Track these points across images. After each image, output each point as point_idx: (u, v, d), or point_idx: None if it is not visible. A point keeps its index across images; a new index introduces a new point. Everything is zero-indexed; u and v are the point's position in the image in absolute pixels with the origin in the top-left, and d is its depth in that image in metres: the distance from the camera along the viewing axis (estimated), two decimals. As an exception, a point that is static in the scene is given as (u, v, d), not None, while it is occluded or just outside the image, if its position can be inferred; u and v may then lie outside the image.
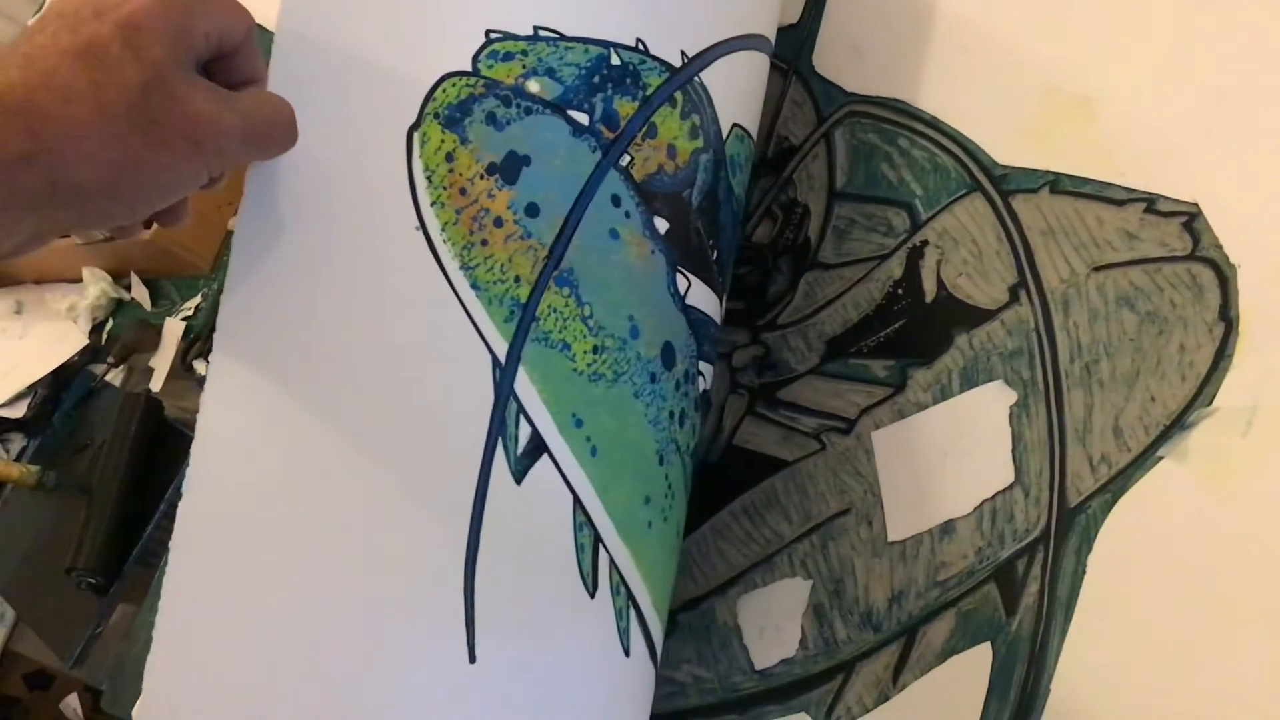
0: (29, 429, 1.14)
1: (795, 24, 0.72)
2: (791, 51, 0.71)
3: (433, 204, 0.48)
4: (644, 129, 0.52)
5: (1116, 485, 0.52)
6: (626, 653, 0.50)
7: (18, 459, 1.10)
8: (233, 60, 0.43)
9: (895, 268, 0.62)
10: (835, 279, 0.64)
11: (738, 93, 0.58)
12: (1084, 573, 0.51)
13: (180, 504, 0.45)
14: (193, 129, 0.39)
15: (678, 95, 0.53)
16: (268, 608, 0.45)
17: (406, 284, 0.47)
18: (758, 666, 0.60)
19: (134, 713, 0.44)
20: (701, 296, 0.55)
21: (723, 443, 0.66)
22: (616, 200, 0.51)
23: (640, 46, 0.52)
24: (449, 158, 0.48)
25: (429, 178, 0.48)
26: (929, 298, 0.60)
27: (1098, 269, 0.55)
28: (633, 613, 0.51)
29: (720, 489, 0.65)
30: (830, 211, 0.66)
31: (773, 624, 0.60)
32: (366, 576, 0.45)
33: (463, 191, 0.48)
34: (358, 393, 0.46)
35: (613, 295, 0.50)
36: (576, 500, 0.49)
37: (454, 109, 0.49)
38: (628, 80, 0.52)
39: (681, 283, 0.53)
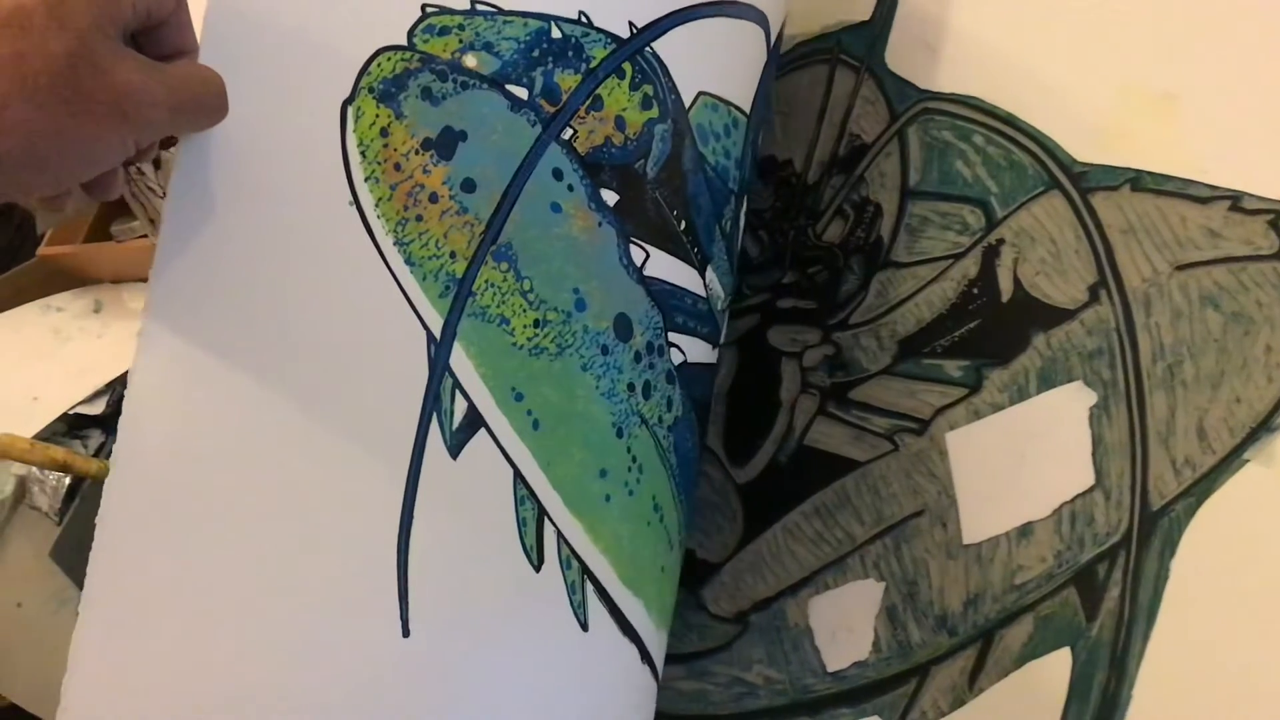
0: (107, 425, 1.15)
1: (867, 21, 0.71)
2: (864, 49, 0.70)
3: (366, 179, 0.48)
4: (588, 101, 0.52)
5: (1200, 488, 0.51)
6: (584, 627, 0.50)
7: (96, 455, 1.12)
8: (162, 32, 0.42)
9: (970, 266, 0.61)
10: (908, 278, 0.64)
11: (703, 61, 0.57)
12: (1167, 577, 0.50)
13: (107, 480, 0.44)
14: (119, 100, 0.38)
15: (626, 66, 0.53)
16: (195, 583, 0.45)
17: (339, 260, 0.47)
18: (830, 668, 0.59)
19: (62, 685, 0.44)
20: (666, 267, 0.54)
21: (794, 443, 0.65)
22: (558, 174, 0.50)
23: (583, 19, 0.52)
24: (383, 133, 0.48)
25: (363, 153, 0.48)
26: (1005, 297, 0.59)
27: (1181, 268, 0.54)
28: (588, 586, 0.50)
29: (791, 489, 0.64)
30: (903, 210, 0.65)
31: (845, 626, 0.59)
32: (296, 552, 0.45)
33: (397, 167, 0.48)
34: (289, 368, 0.46)
35: (555, 269, 0.50)
36: (518, 474, 0.49)
37: (389, 84, 0.48)
38: (569, 53, 0.51)
39: (637, 254, 0.53)
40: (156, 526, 0.45)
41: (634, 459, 0.52)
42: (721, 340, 0.60)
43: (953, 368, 0.60)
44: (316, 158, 0.47)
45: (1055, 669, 0.52)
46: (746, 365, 0.70)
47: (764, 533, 0.64)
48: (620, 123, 0.52)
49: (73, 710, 0.43)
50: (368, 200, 0.47)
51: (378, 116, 0.48)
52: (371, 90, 0.48)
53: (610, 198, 0.52)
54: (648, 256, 0.53)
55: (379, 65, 0.48)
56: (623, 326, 0.52)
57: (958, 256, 0.62)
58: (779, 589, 0.63)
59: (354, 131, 0.48)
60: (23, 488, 1.09)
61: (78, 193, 0.43)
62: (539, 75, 0.50)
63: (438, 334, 0.48)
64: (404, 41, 0.49)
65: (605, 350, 0.51)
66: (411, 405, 0.47)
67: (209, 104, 0.43)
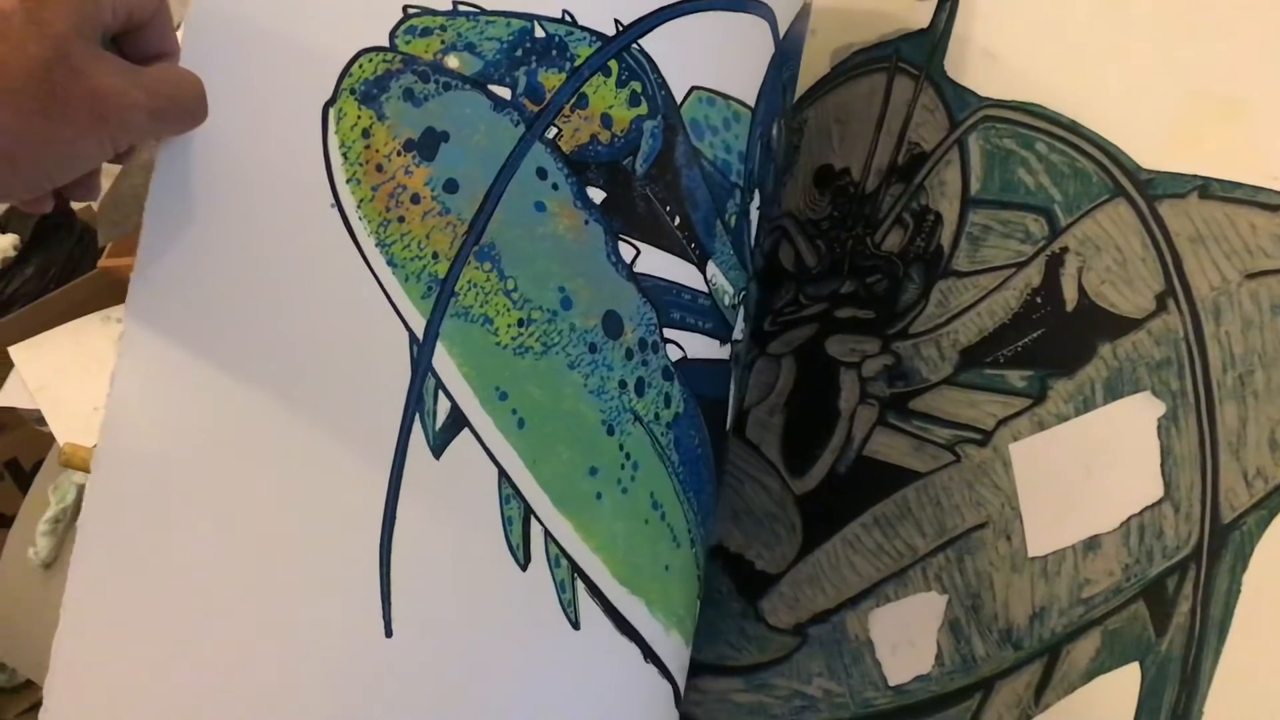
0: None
1: (926, 29, 0.71)
2: (922, 56, 0.70)
3: (348, 181, 0.48)
4: (573, 100, 0.52)
5: (1273, 501, 0.50)
6: (575, 625, 0.50)
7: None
8: (143, 34, 0.42)
9: (1034, 275, 0.60)
10: (969, 287, 0.63)
11: (696, 56, 0.56)
12: (1239, 592, 0.49)
13: (89, 480, 0.44)
14: (96, 104, 0.38)
15: (612, 64, 0.53)
16: (177, 585, 0.45)
17: (321, 261, 0.47)
18: (891, 682, 0.59)
19: (44, 687, 0.44)
20: (660, 264, 0.54)
21: (853, 453, 0.65)
22: (542, 173, 0.50)
23: (567, 18, 0.52)
24: (365, 134, 0.48)
25: (344, 154, 0.48)
26: (1070, 306, 0.58)
27: (1251, 276, 0.53)
28: (579, 585, 0.50)
29: (850, 500, 0.64)
30: (964, 218, 0.65)
31: (907, 639, 0.59)
32: (278, 553, 0.45)
33: (379, 168, 0.48)
34: (271, 370, 0.46)
35: (539, 268, 0.50)
36: (502, 473, 0.48)
37: (370, 85, 0.48)
38: (553, 52, 0.51)
39: (627, 251, 0.52)
40: (138, 528, 0.45)
41: (627, 456, 0.52)
42: (736, 336, 0.59)
43: (1016, 378, 0.59)
44: (298, 159, 0.47)
45: (1124, 685, 0.51)
46: (804, 375, 0.70)
47: (823, 544, 0.64)
48: (606, 120, 0.52)
49: (54, 711, 0.43)
50: (349, 202, 0.48)
51: (359, 118, 0.48)
52: (353, 91, 0.48)
53: (597, 195, 0.52)
54: (638, 253, 0.53)
55: (360, 66, 0.48)
56: (612, 324, 0.52)
57: (1020, 265, 0.61)
58: (839, 601, 0.62)
59: (335, 133, 0.48)
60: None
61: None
62: (522, 75, 0.51)
63: (420, 335, 0.48)
64: (386, 43, 0.49)
65: (593, 348, 0.51)
66: (394, 406, 0.47)
67: (188, 107, 0.44)
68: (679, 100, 0.55)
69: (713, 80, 0.57)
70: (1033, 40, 0.66)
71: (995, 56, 0.67)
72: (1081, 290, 0.58)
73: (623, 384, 0.52)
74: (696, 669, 0.67)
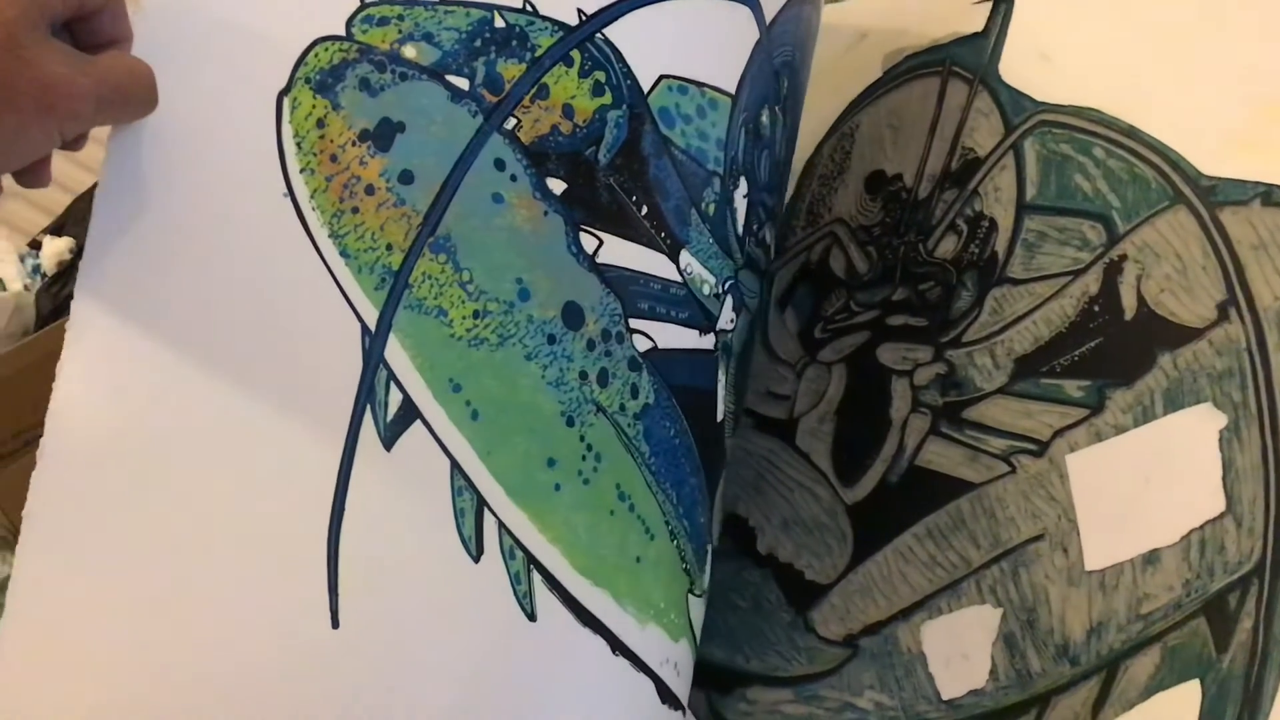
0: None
1: (980, 33, 0.70)
2: (976, 60, 0.69)
3: (301, 170, 0.47)
4: (533, 91, 0.51)
5: (1340, 516, 0.48)
6: (531, 617, 0.49)
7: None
8: (96, 20, 0.42)
9: (1091, 283, 0.59)
10: (1025, 294, 0.62)
11: (665, 45, 0.56)
12: (1304, 609, 0.48)
13: (35, 471, 0.44)
14: (43, 93, 0.38)
15: (575, 54, 0.52)
16: (123, 575, 0.44)
17: (273, 251, 0.47)
18: (944, 696, 0.58)
19: None
20: (626, 254, 0.53)
21: (904, 463, 0.64)
22: (500, 164, 0.50)
23: (528, 7, 0.51)
24: (320, 124, 0.48)
25: (298, 144, 0.47)
26: (1129, 315, 0.57)
27: (1317, 285, 0.52)
28: (535, 576, 0.50)
29: (902, 510, 0.63)
30: (1019, 224, 0.64)
31: (960, 652, 0.58)
32: (224, 543, 0.45)
33: (333, 158, 0.48)
34: (221, 360, 0.46)
35: (496, 259, 0.50)
36: (455, 465, 0.48)
37: (326, 74, 0.48)
38: (513, 42, 0.51)
39: (589, 242, 0.52)
40: (84, 518, 0.45)
41: (589, 447, 0.52)
42: (724, 325, 0.59)
43: (1073, 388, 0.58)
44: (251, 148, 0.47)
45: (1184, 702, 0.50)
46: (855, 383, 0.69)
47: (874, 555, 0.63)
48: (568, 110, 0.52)
49: None
50: (303, 192, 0.47)
51: (314, 107, 0.48)
52: (308, 81, 0.48)
53: (558, 186, 0.51)
54: (601, 244, 0.52)
55: (316, 55, 0.48)
56: (572, 315, 0.51)
57: (1077, 273, 0.60)
58: (890, 613, 0.61)
59: (290, 122, 0.48)
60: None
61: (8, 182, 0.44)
62: (481, 65, 0.50)
63: (373, 326, 0.47)
64: (342, 32, 0.49)
65: (552, 339, 0.51)
66: (344, 397, 0.47)
67: (137, 96, 0.44)
68: (646, 89, 0.55)
69: (683, 68, 0.56)
70: (1090, 44, 0.65)
71: (1051, 60, 0.66)
72: (1140, 299, 0.57)
73: (584, 375, 0.52)
74: (746, 679, 0.67)
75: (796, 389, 0.72)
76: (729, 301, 0.59)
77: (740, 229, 0.60)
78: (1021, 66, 0.68)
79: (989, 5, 0.71)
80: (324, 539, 0.46)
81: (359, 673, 0.46)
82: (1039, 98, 0.66)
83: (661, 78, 0.55)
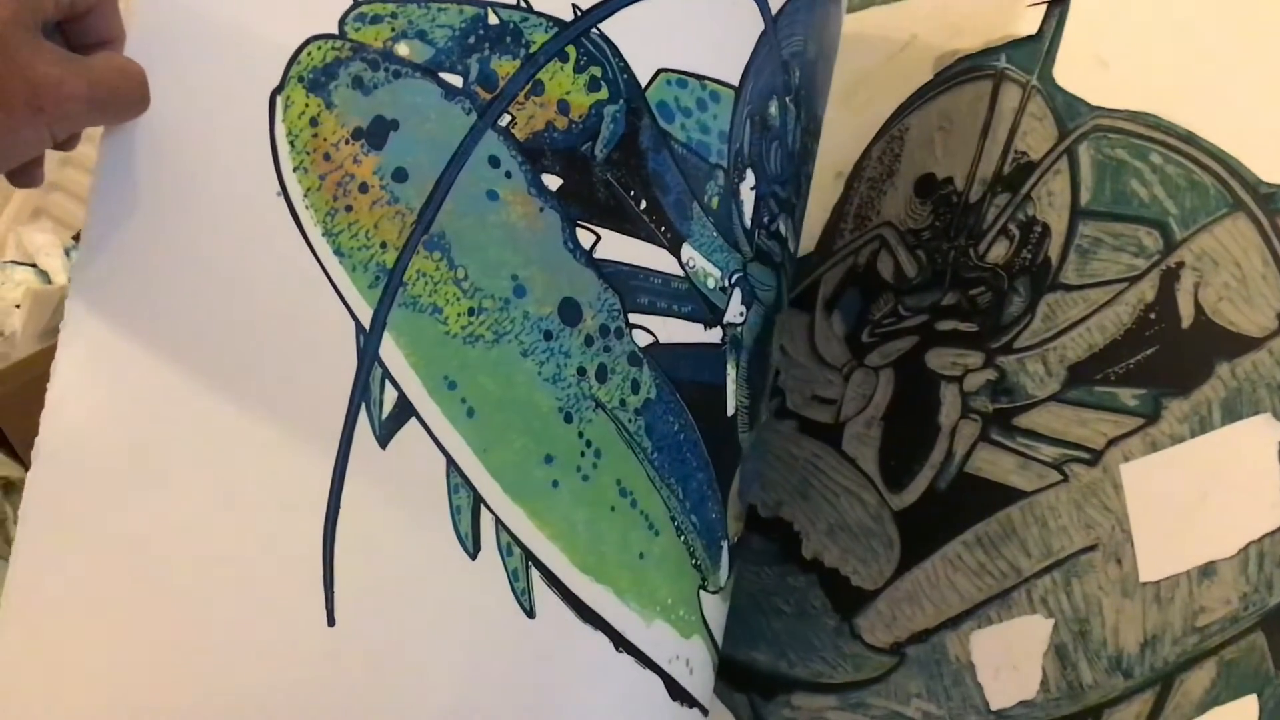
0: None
1: (1034, 35, 0.69)
2: (1030, 63, 0.68)
3: (295, 169, 0.47)
4: (528, 87, 0.51)
5: (1405, 531, 0.48)
6: (529, 614, 0.49)
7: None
8: (89, 20, 0.42)
9: (1147, 290, 0.58)
10: (1078, 301, 0.61)
11: (663, 38, 0.55)
12: (1366, 626, 0.47)
13: (29, 472, 0.44)
14: (34, 94, 0.38)
15: (570, 50, 0.52)
16: (118, 575, 0.44)
17: (266, 250, 0.47)
18: (993, 707, 0.57)
19: None
20: (624, 249, 0.53)
21: (953, 469, 0.64)
22: (495, 161, 0.50)
23: (522, 4, 0.51)
24: (313, 122, 0.47)
25: (292, 143, 0.47)
26: (1186, 323, 0.57)
27: (1381, 295, 0.51)
28: (533, 573, 0.49)
29: (951, 517, 0.63)
30: (1073, 230, 0.63)
31: (1010, 663, 0.57)
32: (220, 541, 0.45)
33: (326, 157, 0.47)
34: (215, 359, 0.46)
35: (491, 256, 0.49)
36: (451, 462, 0.48)
37: (319, 73, 0.48)
38: (507, 39, 0.50)
39: (586, 237, 0.51)
40: (79, 518, 0.45)
41: (588, 443, 0.51)
42: (732, 319, 0.58)
43: (1128, 396, 0.57)
44: (244, 147, 0.47)
45: (1240, 717, 0.50)
46: (903, 388, 0.69)
47: (922, 562, 0.62)
48: (564, 106, 0.51)
49: None
50: (296, 190, 0.47)
51: (307, 106, 0.48)
52: (301, 79, 0.48)
53: (553, 182, 0.51)
54: (598, 239, 0.52)
55: (309, 54, 0.48)
56: (569, 311, 0.51)
57: (1133, 280, 0.59)
58: (939, 621, 0.61)
59: (283, 121, 0.47)
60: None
61: None
62: (474, 62, 0.50)
63: (367, 325, 0.47)
64: (335, 30, 0.48)
65: (549, 335, 0.50)
66: (339, 396, 0.47)
67: (128, 96, 0.43)
68: (644, 84, 0.54)
69: (683, 61, 0.56)
70: (1148, 48, 0.64)
71: (1108, 64, 0.65)
72: (1198, 307, 0.56)
73: (581, 371, 0.51)
74: (790, 684, 0.66)
75: (843, 393, 0.72)
76: (737, 295, 0.59)
77: (748, 221, 0.60)
78: (1076, 70, 0.67)
79: (1043, 7, 0.70)
80: (319, 537, 0.46)
81: (355, 671, 0.46)
82: (1094, 102, 0.65)
83: (660, 71, 0.55)
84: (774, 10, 0.60)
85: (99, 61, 0.42)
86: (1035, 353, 0.62)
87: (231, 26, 0.48)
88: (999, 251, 0.66)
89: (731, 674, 0.69)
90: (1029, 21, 0.70)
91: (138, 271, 0.46)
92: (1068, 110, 0.66)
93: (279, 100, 0.47)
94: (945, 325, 0.68)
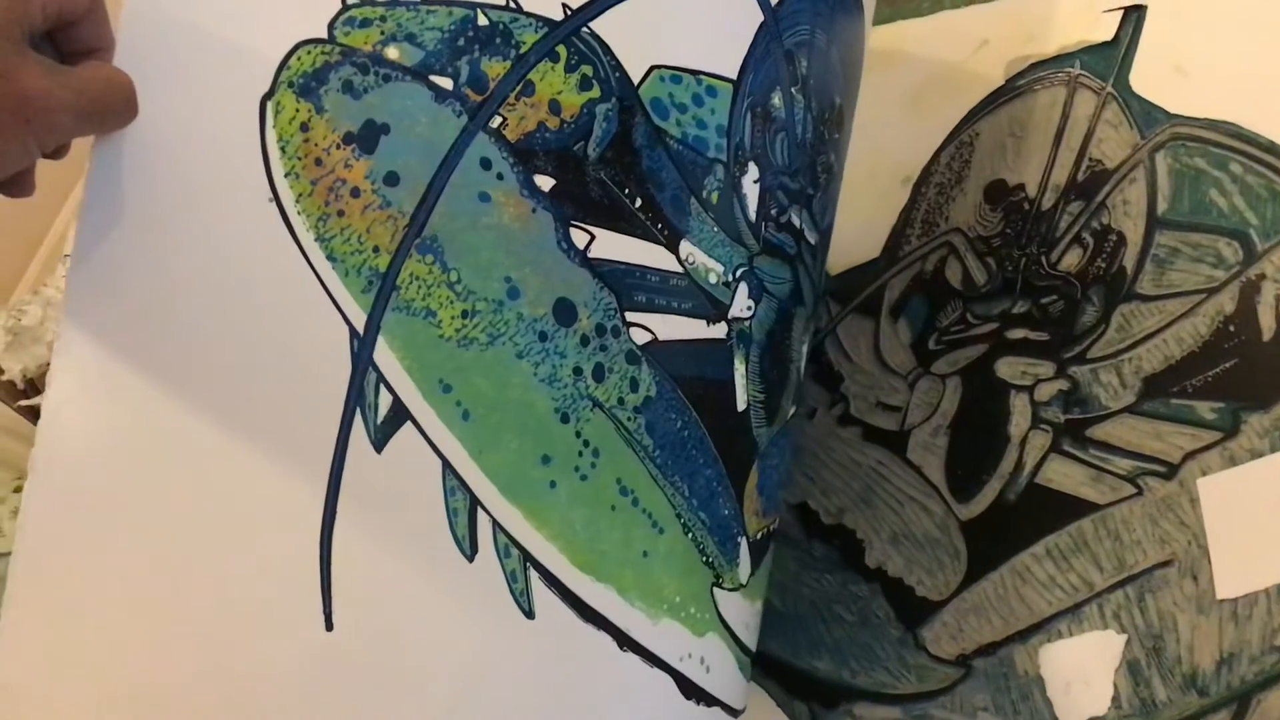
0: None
1: (1110, 41, 0.68)
2: (1106, 70, 0.67)
3: (286, 175, 0.47)
4: (519, 88, 0.50)
5: None
6: (528, 614, 0.49)
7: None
8: (77, 29, 0.42)
9: (1226, 302, 0.57)
10: (1155, 312, 0.60)
11: (656, 35, 0.55)
12: None
13: (27, 482, 0.45)
14: (21, 106, 0.38)
15: (560, 49, 0.51)
16: (117, 583, 0.45)
17: (259, 257, 0.47)
18: (1063, 722, 0.57)
19: None
20: (619, 247, 0.52)
21: (1023, 481, 0.63)
22: (486, 163, 0.49)
23: (511, 4, 0.51)
24: (304, 127, 0.47)
25: (283, 148, 0.47)
26: (1267, 336, 0.56)
27: None
28: (531, 574, 0.49)
29: (1020, 529, 0.62)
30: (1150, 240, 0.62)
31: (1081, 678, 0.56)
32: (218, 548, 0.45)
33: (318, 162, 0.47)
34: (209, 367, 0.46)
35: (484, 258, 0.49)
36: (446, 465, 0.48)
37: (309, 78, 0.47)
38: (497, 40, 0.50)
39: (580, 237, 0.51)
40: (78, 528, 0.45)
41: (585, 443, 0.51)
42: (738, 313, 0.58)
43: (1205, 409, 0.56)
44: (235, 154, 0.47)
45: (1320, 740, 0.49)
46: (971, 397, 0.68)
47: (990, 573, 0.62)
48: (555, 106, 0.51)
49: None
50: (288, 196, 0.47)
51: (298, 111, 0.47)
52: (291, 85, 0.48)
53: (546, 183, 0.51)
54: (593, 239, 0.52)
55: (299, 59, 0.48)
56: (564, 311, 0.51)
57: (1212, 291, 0.58)
58: (1006, 634, 0.60)
59: (273, 127, 0.47)
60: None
61: None
62: (464, 65, 0.50)
63: (361, 329, 0.47)
64: (324, 34, 0.48)
65: (544, 336, 0.50)
66: (334, 401, 0.47)
67: (115, 106, 0.44)
68: (637, 81, 0.54)
69: (676, 57, 0.56)
70: (1227, 56, 0.63)
71: (1186, 72, 0.64)
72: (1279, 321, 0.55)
73: (578, 371, 0.51)
74: (851, 694, 0.66)
75: (908, 400, 0.71)
76: (742, 289, 0.58)
77: (753, 215, 0.59)
78: (1153, 77, 0.66)
79: (1119, 14, 0.69)
80: (316, 542, 0.46)
81: (353, 675, 0.46)
82: (1172, 110, 0.64)
83: (653, 68, 0.55)
84: (774, 1, 0.60)
85: (86, 71, 0.42)
86: (1109, 363, 0.61)
87: (220, 33, 0.48)
88: (1072, 260, 0.65)
89: (791, 681, 0.68)
90: (1105, 27, 0.69)
91: (131, 280, 0.46)
92: (1145, 118, 0.65)
93: (269, 106, 0.48)
94: (1016, 334, 0.67)
